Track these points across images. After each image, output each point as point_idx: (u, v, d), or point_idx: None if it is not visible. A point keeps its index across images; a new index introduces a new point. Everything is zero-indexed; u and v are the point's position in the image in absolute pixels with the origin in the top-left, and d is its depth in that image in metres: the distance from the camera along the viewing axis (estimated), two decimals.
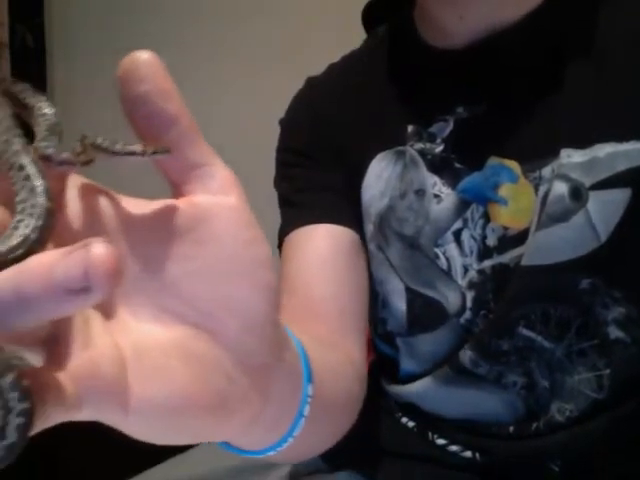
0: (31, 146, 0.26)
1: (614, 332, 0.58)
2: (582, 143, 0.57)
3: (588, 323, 0.58)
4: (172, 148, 0.28)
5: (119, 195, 0.30)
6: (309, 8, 1.62)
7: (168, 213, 0.29)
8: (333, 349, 0.55)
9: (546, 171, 0.58)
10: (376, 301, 0.67)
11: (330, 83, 0.73)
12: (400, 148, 0.65)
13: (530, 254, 0.58)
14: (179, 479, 0.73)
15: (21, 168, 0.25)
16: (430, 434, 0.65)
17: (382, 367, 0.71)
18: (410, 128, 0.65)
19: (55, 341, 0.26)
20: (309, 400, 0.40)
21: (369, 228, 0.66)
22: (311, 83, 0.75)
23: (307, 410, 0.40)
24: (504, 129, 0.61)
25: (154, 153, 0.27)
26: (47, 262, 0.21)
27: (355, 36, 0.76)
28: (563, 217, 0.57)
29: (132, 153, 0.27)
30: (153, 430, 0.29)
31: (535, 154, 0.59)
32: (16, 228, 0.23)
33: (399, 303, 0.65)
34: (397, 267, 0.65)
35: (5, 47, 1.78)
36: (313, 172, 0.69)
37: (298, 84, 0.76)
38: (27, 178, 0.24)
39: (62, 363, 0.25)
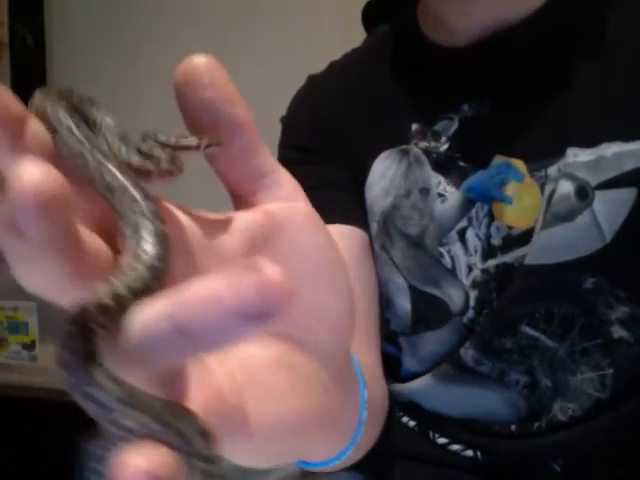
0: (124, 164, 0.24)
1: (617, 331, 0.58)
2: (589, 142, 0.57)
3: (591, 322, 0.58)
4: (237, 154, 0.27)
5: (192, 210, 0.28)
6: (309, 7, 1.62)
7: (248, 225, 0.28)
8: (363, 353, 0.55)
9: (552, 170, 0.58)
10: (379, 301, 0.67)
11: (331, 81, 0.73)
12: (404, 147, 0.65)
13: (535, 253, 0.58)
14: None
15: (124, 190, 0.23)
16: (431, 433, 0.65)
17: (384, 366, 0.71)
18: (414, 126, 0.64)
19: (176, 374, 0.23)
20: (366, 406, 0.40)
21: (373, 227, 0.66)
22: (312, 81, 0.74)
23: (365, 416, 0.40)
24: (510, 128, 0.60)
25: (208, 146, 0.26)
26: (210, 290, 0.19)
27: (355, 35, 0.76)
28: (568, 216, 0.57)
29: (188, 147, 0.26)
30: (268, 454, 0.28)
31: (541, 153, 0.59)
32: (137, 258, 0.21)
33: (403, 302, 0.65)
34: (401, 266, 0.64)
35: (5, 47, 1.78)
36: (318, 168, 0.68)
37: (299, 82, 0.75)
38: (134, 200, 0.22)
39: (187, 397, 0.23)
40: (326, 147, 0.69)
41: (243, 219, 0.28)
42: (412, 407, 0.67)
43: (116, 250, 0.23)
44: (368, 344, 0.60)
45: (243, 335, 0.19)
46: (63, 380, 0.19)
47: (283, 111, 0.75)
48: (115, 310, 0.20)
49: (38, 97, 0.24)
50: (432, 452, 0.65)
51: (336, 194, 0.67)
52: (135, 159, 0.24)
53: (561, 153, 0.57)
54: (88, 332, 0.19)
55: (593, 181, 0.57)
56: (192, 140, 0.26)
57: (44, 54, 1.86)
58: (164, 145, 0.25)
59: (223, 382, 0.25)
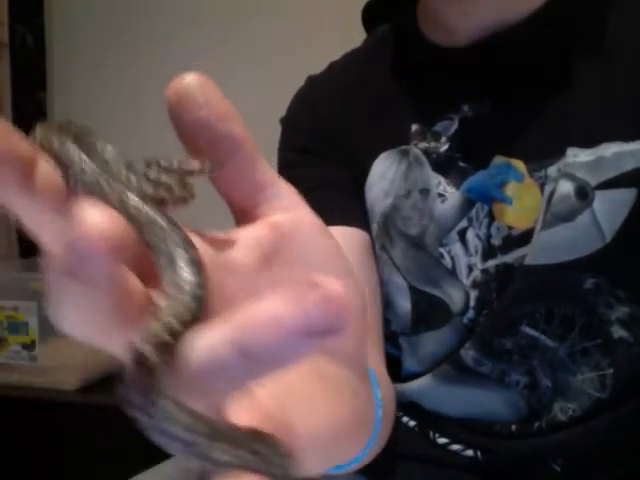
0: (145, 194, 0.24)
1: (618, 331, 0.58)
2: (588, 142, 0.57)
3: (592, 322, 0.58)
4: (237, 170, 0.27)
5: (202, 231, 0.28)
6: (309, 7, 1.62)
7: (257, 240, 0.27)
8: (371, 355, 0.55)
9: (552, 170, 0.58)
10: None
11: (331, 81, 0.73)
12: (404, 147, 0.65)
13: (535, 253, 0.58)
14: (179, 478, 0.73)
15: (151, 221, 0.22)
16: (431, 433, 0.65)
17: None
18: (414, 127, 0.64)
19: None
20: (381, 404, 0.40)
21: (373, 228, 0.66)
22: (312, 81, 0.74)
23: (380, 414, 0.40)
24: (510, 128, 0.60)
25: (211, 169, 0.26)
26: (273, 310, 0.19)
27: (355, 35, 0.75)
28: (568, 216, 0.57)
29: (191, 172, 0.25)
30: (312, 463, 0.28)
31: (541, 153, 0.59)
32: (180, 289, 0.21)
33: (403, 302, 0.65)
34: (401, 267, 0.64)
35: (5, 47, 1.78)
36: (319, 170, 0.68)
37: (299, 82, 0.75)
38: (163, 230, 0.22)
39: (240, 419, 0.22)
40: (326, 148, 0.69)
41: (251, 234, 0.27)
42: (412, 407, 0.67)
43: (144, 280, 0.22)
44: (374, 346, 0.61)
45: (307, 353, 0.19)
46: (138, 422, 0.19)
47: (282, 111, 0.75)
48: (173, 344, 0.20)
49: (40, 132, 0.23)
50: (432, 452, 0.65)
51: (337, 195, 0.67)
52: (148, 188, 0.24)
53: (561, 153, 0.57)
54: (152, 370, 0.19)
55: (593, 181, 0.57)
56: (195, 164, 0.25)
57: (44, 54, 1.86)
58: (168, 171, 0.25)
59: (267, 401, 0.24)
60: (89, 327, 0.21)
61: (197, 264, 0.22)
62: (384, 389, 0.52)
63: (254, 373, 0.20)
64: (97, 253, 0.18)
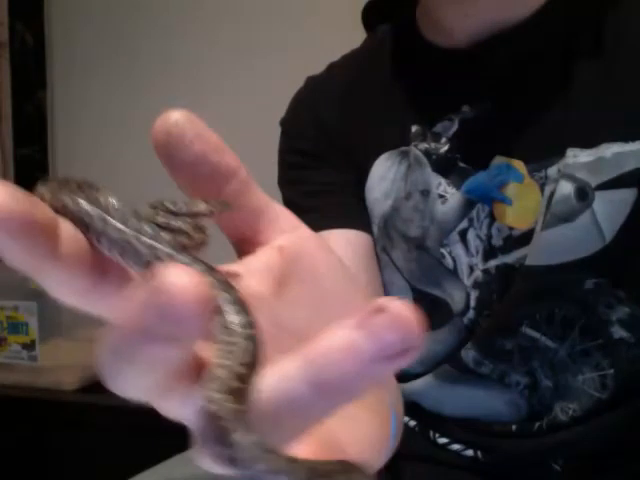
0: (174, 242, 0.23)
1: (618, 332, 0.58)
2: (588, 143, 0.57)
3: (592, 323, 0.58)
4: (234, 200, 0.27)
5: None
6: (309, 7, 1.62)
7: (267, 266, 0.27)
8: None
9: (552, 171, 0.58)
10: None
11: (331, 83, 0.73)
12: (404, 148, 0.65)
13: (535, 254, 0.58)
14: (179, 478, 0.73)
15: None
16: (431, 433, 0.65)
17: None
18: (414, 128, 0.64)
19: None
20: (394, 408, 0.40)
21: (374, 230, 0.66)
22: (311, 83, 0.74)
23: (394, 417, 0.40)
24: (509, 128, 0.60)
25: (215, 211, 0.25)
26: (343, 340, 0.18)
27: (355, 35, 0.75)
28: (569, 217, 0.57)
29: (199, 214, 0.25)
30: None
31: (541, 154, 0.59)
32: (232, 333, 0.20)
33: None
34: (402, 268, 0.65)
35: (5, 47, 1.78)
36: (321, 172, 0.68)
37: (298, 82, 0.75)
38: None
39: (305, 450, 0.23)
40: (327, 150, 0.69)
41: (260, 262, 0.27)
42: (413, 407, 0.67)
43: None
44: None
45: (382, 378, 0.19)
46: (237, 477, 0.19)
47: (282, 111, 0.75)
48: (243, 388, 0.19)
49: (46, 191, 0.23)
50: (433, 452, 0.65)
51: (340, 198, 0.67)
52: (166, 237, 0.23)
53: (561, 154, 0.57)
54: (229, 419, 0.19)
55: (593, 182, 0.57)
56: (202, 206, 0.25)
57: (44, 54, 1.86)
58: (177, 215, 0.24)
59: (320, 428, 0.24)
60: (153, 389, 0.20)
61: (243, 304, 0.21)
62: (393, 391, 0.52)
63: (328, 406, 0.19)
64: (191, 314, 0.17)
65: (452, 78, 0.64)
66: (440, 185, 0.62)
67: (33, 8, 1.83)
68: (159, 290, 0.17)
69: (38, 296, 1.47)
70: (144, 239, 0.22)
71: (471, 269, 0.62)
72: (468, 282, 0.62)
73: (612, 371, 0.59)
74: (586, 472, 0.61)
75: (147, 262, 0.22)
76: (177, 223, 0.24)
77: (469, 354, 0.61)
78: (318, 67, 0.75)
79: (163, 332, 0.18)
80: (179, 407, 0.21)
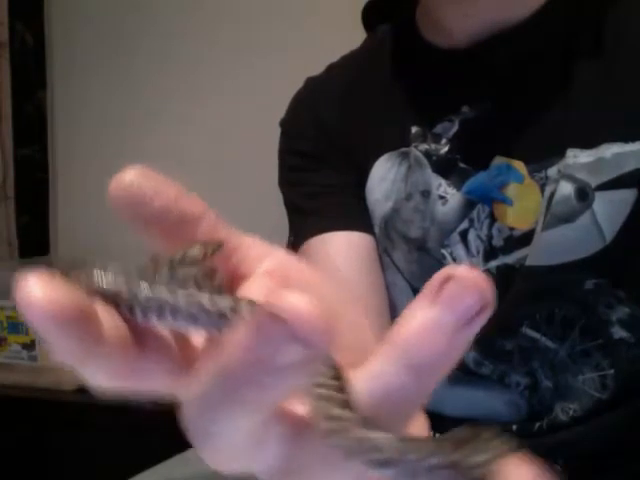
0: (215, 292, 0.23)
1: (618, 332, 0.58)
2: (588, 143, 0.57)
3: (592, 323, 0.58)
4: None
5: None
6: (309, 7, 1.62)
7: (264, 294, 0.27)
8: None
9: (552, 171, 0.58)
10: None
11: (330, 83, 0.73)
12: (404, 149, 0.65)
13: (535, 254, 0.58)
14: (179, 478, 0.73)
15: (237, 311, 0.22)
16: (431, 432, 0.65)
17: None
18: (414, 129, 0.64)
19: None
20: None
21: (375, 231, 0.66)
22: (311, 83, 0.74)
23: None
24: (510, 129, 0.60)
25: (213, 252, 0.25)
26: (425, 319, 0.19)
27: (355, 35, 0.75)
28: (569, 217, 0.57)
29: (196, 261, 0.24)
30: None
31: (541, 154, 0.59)
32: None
33: (406, 304, 0.65)
34: (403, 269, 0.65)
35: (5, 47, 1.78)
36: (321, 174, 0.68)
37: (298, 83, 0.75)
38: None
39: None
40: (328, 151, 0.69)
41: (257, 289, 0.26)
42: None
43: None
44: None
45: (467, 344, 0.19)
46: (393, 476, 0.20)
47: (282, 111, 0.75)
48: (348, 398, 0.20)
49: (63, 274, 0.22)
50: None
51: (341, 199, 0.67)
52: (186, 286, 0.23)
53: (561, 154, 0.57)
54: (365, 426, 0.19)
55: (593, 182, 0.57)
56: (198, 250, 0.25)
57: (44, 54, 1.86)
58: (180, 264, 0.24)
59: None
60: (252, 435, 0.20)
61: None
62: None
63: (427, 386, 0.20)
64: (321, 337, 0.17)
65: (452, 78, 0.64)
66: (440, 186, 0.62)
67: (33, 8, 1.83)
68: (284, 315, 0.17)
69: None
70: (180, 292, 0.21)
71: None
72: None
73: (612, 371, 0.59)
74: (586, 472, 0.61)
75: (189, 314, 0.21)
76: (187, 272, 0.24)
77: (469, 355, 0.61)
78: (318, 67, 0.75)
79: (286, 360, 0.18)
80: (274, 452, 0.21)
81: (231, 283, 0.27)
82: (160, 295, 0.21)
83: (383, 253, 0.65)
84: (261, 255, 0.27)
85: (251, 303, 0.21)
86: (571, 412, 0.60)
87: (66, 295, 0.18)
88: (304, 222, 0.68)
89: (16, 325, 1.44)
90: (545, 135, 0.59)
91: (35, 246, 1.86)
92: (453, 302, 0.19)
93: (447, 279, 0.19)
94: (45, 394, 1.41)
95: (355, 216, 0.66)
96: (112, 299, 0.21)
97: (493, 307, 0.19)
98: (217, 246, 0.25)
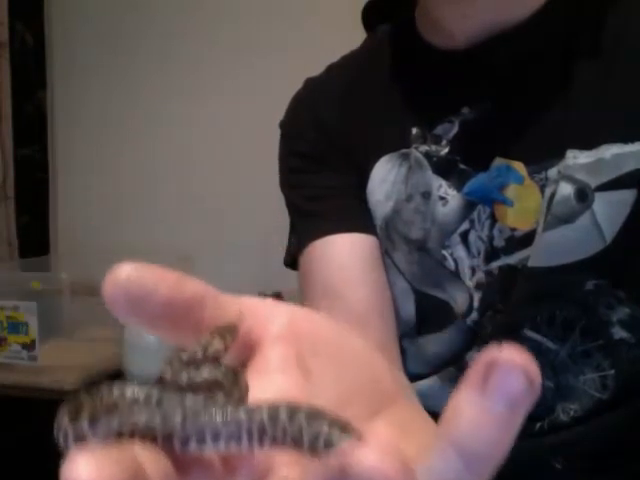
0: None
1: (618, 332, 0.58)
2: (588, 144, 0.57)
3: (592, 324, 0.58)
4: (217, 319, 0.25)
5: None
6: (309, 7, 1.62)
7: (283, 358, 0.26)
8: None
9: (552, 172, 0.58)
10: None
11: (330, 83, 0.72)
12: (405, 150, 0.65)
13: (536, 255, 0.58)
14: None
15: (274, 415, 0.21)
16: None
17: None
18: (414, 130, 0.64)
19: None
20: None
21: (377, 231, 0.66)
22: (310, 84, 0.74)
23: None
24: (509, 130, 0.60)
25: (233, 339, 0.24)
26: (479, 414, 0.19)
27: (355, 35, 0.75)
28: (569, 218, 0.57)
29: (219, 354, 0.24)
30: None
31: (541, 155, 0.59)
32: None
33: (407, 305, 0.65)
34: (404, 270, 0.65)
35: (5, 47, 1.78)
36: (322, 176, 0.68)
37: (298, 83, 0.75)
38: (296, 421, 0.21)
39: None
40: (328, 151, 0.68)
41: (274, 359, 0.26)
42: None
43: None
44: (393, 350, 0.62)
45: (520, 423, 0.19)
46: None
47: (282, 111, 0.74)
48: None
49: (91, 423, 0.21)
50: None
51: (343, 201, 0.67)
52: (222, 399, 0.22)
53: (561, 155, 0.57)
54: None
55: (593, 183, 0.57)
56: (217, 343, 0.24)
57: (44, 54, 1.86)
58: (198, 363, 0.24)
59: None
60: None
61: (345, 424, 0.21)
62: (411, 395, 0.53)
63: (482, 475, 0.20)
64: None
65: (451, 79, 0.64)
66: (441, 187, 0.62)
67: (33, 8, 1.83)
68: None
69: (38, 296, 1.47)
70: (215, 411, 0.21)
71: (473, 270, 0.62)
72: (470, 283, 0.62)
73: (613, 372, 0.59)
74: (587, 472, 0.61)
75: (229, 435, 0.20)
76: (208, 374, 0.23)
77: (471, 356, 0.61)
78: (318, 67, 0.75)
79: None
80: None
81: (246, 353, 0.26)
82: (196, 422, 0.20)
83: (384, 254, 0.66)
84: (268, 316, 0.27)
85: (291, 409, 0.20)
86: (572, 412, 0.60)
87: (113, 472, 0.18)
88: (306, 224, 0.68)
89: (16, 325, 1.44)
90: (545, 136, 0.59)
91: (35, 246, 1.86)
92: (502, 390, 0.19)
93: (491, 366, 0.19)
94: (45, 394, 1.42)
95: (357, 218, 0.66)
96: (148, 435, 0.20)
97: (540, 385, 0.19)
98: (233, 331, 0.25)
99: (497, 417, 0.19)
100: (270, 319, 0.26)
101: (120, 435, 0.20)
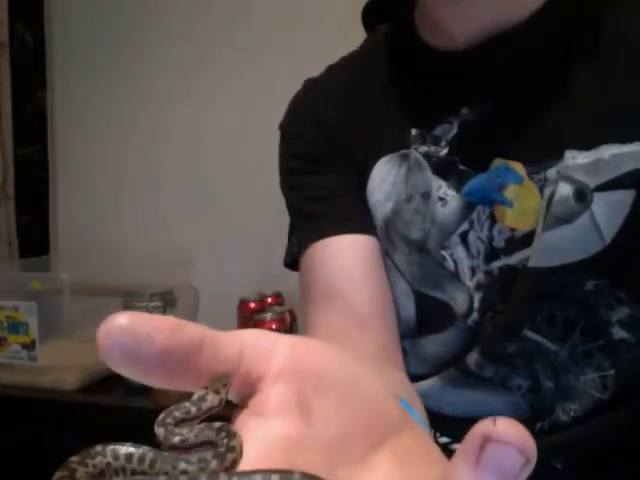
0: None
1: (618, 333, 0.58)
2: (586, 144, 0.57)
3: (593, 324, 0.58)
4: (218, 364, 0.25)
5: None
6: (309, 7, 1.62)
7: (285, 400, 0.25)
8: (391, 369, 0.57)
9: (551, 173, 0.58)
10: None
11: (330, 85, 0.72)
12: (404, 151, 0.65)
13: (536, 256, 0.58)
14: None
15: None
16: (432, 432, 0.65)
17: None
18: (414, 131, 0.64)
19: None
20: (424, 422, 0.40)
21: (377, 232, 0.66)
22: (310, 84, 0.74)
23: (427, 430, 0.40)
24: (508, 131, 0.60)
25: (227, 390, 0.25)
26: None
27: (355, 35, 0.75)
28: (568, 218, 0.57)
29: (213, 409, 0.24)
30: None
31: (540, 156, 0.59)
32: None
33: (407, 306, 0.65)
34: (404, 271, 0.65)
35: (5, 47, 1.78)
36: (324, 177, 0.68)
37: (298, 83, 0.75)
38: None
39: None
40: (328, 152, 0.68)
41: (274, 400, 0.25)
42: None
43: None
44: (395, 350, 0.63)
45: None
46: None
47: (282, 112, 0.74)
48: None
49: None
50: None
51: (345, 202, 0.67)
52: (214, 463, 0.22)
53: (559, 155, 0.57)
54: None
55: (592, 183, 0.57)
56: (211, 399, 0.24)
57: (44, 54, 1.86)
58: (192, 420, 0.24)
59: None
60: None
61: None
62: (418, 405, 0.53)
63: None
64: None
65: (451, 81, 0.64)
66: (440, 188, 0.63)
67: (33, 8, 1.83)
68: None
69: (38, 296, 1.47)
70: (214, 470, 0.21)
71: (473, 271, 0.62)
72: (470, 284, 0.62)
73: (613, 372, 0.59)
74: (587, 472, 0.61)
75: None
76: (201, 435, 0.23)
77: (471, 357, 0.61)
78: (317, 68, 0.75)
79: None
80: None
81: (247, 391, 0.26)
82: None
83: (384, 255, 0.66)
84: (269, 352, 0.26)
85: (284, 477, 0.20)
86: (572, 412, 0.60)
87: None
88: (307, 226, 0.68)
89: (16, 325, 1.44)
90: (544, 136, 0.59)
91: (35, 246, 1.86)
92: (496, 465, 0.18)
93: (485, 439, 0.19)
94: (45, 394, 1.42)
95: (358, 219, 0.66)
96: None
97: (535, 459, 0.19)
98: (227, 381, 0.25)
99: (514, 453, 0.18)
100: (271, 354, 0.26)
101: None
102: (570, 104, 0.59)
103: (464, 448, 0.19)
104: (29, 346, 1.44)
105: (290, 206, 0.72)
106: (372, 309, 0.63)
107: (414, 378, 0.66)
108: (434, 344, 0.65)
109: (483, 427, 0.19)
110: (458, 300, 0.62)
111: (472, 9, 0.61)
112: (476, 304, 0.62)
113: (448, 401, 0.64)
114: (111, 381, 1.42)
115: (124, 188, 1.79)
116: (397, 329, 0.65)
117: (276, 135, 0.74)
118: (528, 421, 0.61)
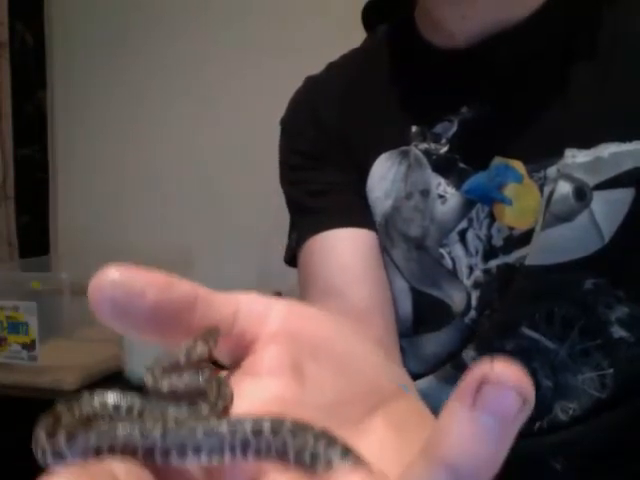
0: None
1: (617, 332, 0.58)
2: (586, 143, 0.57)
3: (591, 323, 0.58)
4: (207, 320, 0.25)
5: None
6: (309, 7, 1.62)
7: (279, 361, 0.25)
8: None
9: (551, 171, 0.58)
10: None
11: (330, 82, 0.73)
12: (404, 148, 0.65)
13: (535, 254, 0.58)
14: None
15: (277, 428, 0.20)
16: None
17: None
18: (414, 128, 0.65)
19: None
20: None
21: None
22: (310, 82, 0.74)
23: None
24: (508, 129, 0.60)
25: (215, 343, 0.24)
26: (469, 429, 0.18)
27: (355, 35, 0.75)
28: (568, 217, 0.57)
29: (203, 357, 0.23)
30: None
31: (539, 154, 0.59)
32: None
33: (405, 303, 0.65)
34: (402, 268, 0.65)
35: (5, 47, 1.78)
36: (324, 172, 0.68)
37: (298, 82, 0.75)
38: (293, 433, 0.20)
39: None
40: (328, 149, 0.69)
41: (268, 361, 0.25)
42: None
43: None
44: (394, 345, 0.62)
45: (513, 438, 0.19)
46: None
47: (281, 111, 0.75)
48: None
49: (66, 444, 0.20)
50: None
51: (345, 197, 0.67)
52: (206, 409, 0.21)
53: (559, 154, 0.58)
54: None
55: (591, 181, 0.57)
56: (201, 348, 0.23)
57: (44, 54, 1.86)
58: (181, 369, 0.23)
59: None
60: None
61: (332, 437, 0.20)
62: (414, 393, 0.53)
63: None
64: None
65: (451, 79, 0.64)
66: (440, 185, 0.63)
67: (33, 8, 1.83)
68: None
69: (38, 296, 1.47)
70: (198, 427, 0.20)
71: (470, 269, 0.62)
72: (468, 282, 0.62)
73: (612, 371, 0.59)
74: (586, 471, 0.61)
75: (211, 449, 0.20)
76: (190, 381, 0.23)
77: (468, 354, 0.61)
78: (317, 67, 0.75)
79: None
80: None
81: (240, 353, 0.26)
82: (177, 436, 0.20)
83: (383, 252, 0.66)
84: (264, 314, 0.26)
85: (275, 423, 0.20)
86: (571, 411, 0.60)
87: None
88: (307, 220, 0.68)
89: (16, 325, 1.44)
90: (544, 135, 0.59)
91: (35, 246, 1.86)
92: (494, 405, 0.18)
93: (483, 381, 0.18)
94: (45, 394, 1.41)
95: (358, 213, 0.66)
96: (128, 449, 0.20)
97: (533, 401, 0.18)
98: (216, 334, 0.24)
99: (487, 433, 0.18)
100: (266, 317, 0.26)
101: (99, 450, 0.20)
102: (570, 103, 0.59)
103: (461, 390, 0.19)
104: (29, 346, 1.44)
105: (290, 201, 0.72)
106: (371, 306, 0.63)
107: (411, 376, 0.66)
108: (431, 342, 0.65)
109: (480, 370, 0.19)
110: (455, 298, 0.62)
111: (472, 10, 0.61)
112: (474, 302, 0.62)
113: (445, 399, 0.64)
114: (111, 381, 1.42)
115: (124, 188, 1.79)
116: (396, 326, 0.65)
117: (276, 135, 0.74)
118: (527, 420, 0.61)
